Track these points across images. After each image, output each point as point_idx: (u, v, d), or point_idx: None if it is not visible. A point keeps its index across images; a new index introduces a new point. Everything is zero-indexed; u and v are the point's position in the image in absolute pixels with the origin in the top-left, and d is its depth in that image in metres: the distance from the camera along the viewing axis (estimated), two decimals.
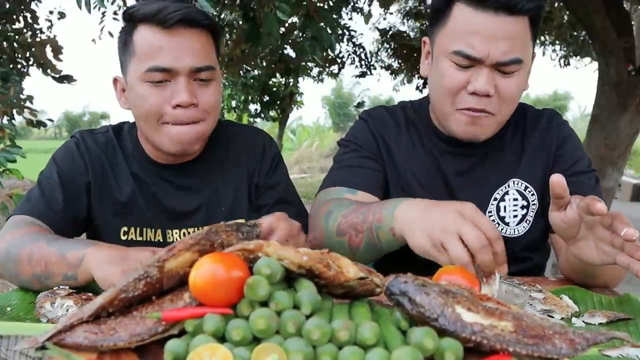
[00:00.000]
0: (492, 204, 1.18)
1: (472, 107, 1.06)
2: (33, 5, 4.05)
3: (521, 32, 1.03)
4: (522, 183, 1.18)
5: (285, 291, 0.57)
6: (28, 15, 3.97)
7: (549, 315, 0.83)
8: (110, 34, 4.87)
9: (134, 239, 1.17)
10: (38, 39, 3.85)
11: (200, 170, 1.21)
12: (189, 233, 1.17)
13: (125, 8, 1.18)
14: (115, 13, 4.70)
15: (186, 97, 1.05)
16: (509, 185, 1.18)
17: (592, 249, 0.87)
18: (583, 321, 0.81)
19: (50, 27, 4.42)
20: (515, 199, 1.18)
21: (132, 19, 1.08)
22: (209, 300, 0.56)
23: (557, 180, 0.84)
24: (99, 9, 4.59)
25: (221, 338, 0.54)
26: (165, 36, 1.05)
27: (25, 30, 3.98)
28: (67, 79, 3.78)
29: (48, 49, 3.69)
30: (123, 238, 1.17)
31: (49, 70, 3.74)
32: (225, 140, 1.25)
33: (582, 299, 0.91)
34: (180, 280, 0.61)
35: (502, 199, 1.18)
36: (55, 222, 1.09)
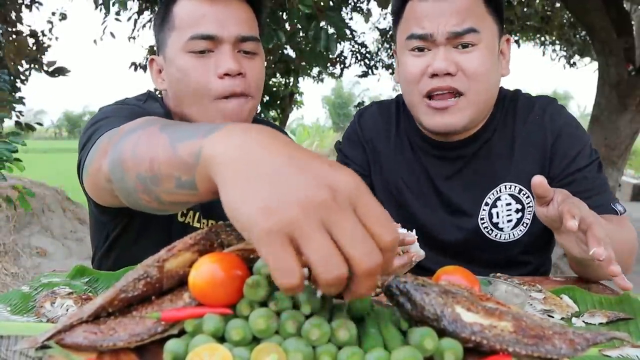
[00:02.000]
0: (483, 210, 1.15)
1: (436, 86, 1.04)
2: (34, 9, 4.06)
3: (472, 7, 1.03)
4: (515, 186, 1.14)
5: None
6: (13, 15, 3.98)
7: (548, 315, 0.83)
8: (112, 35, 4.88)
9: (191, 223, 1.11)
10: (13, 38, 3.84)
11: None
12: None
13: None
14: (117, 14, 4.71)
15: (233, 65, 0.99)
16: (500, 190, 1.14)
17: (573, 243, 0.88)
18: (583, 321, 0.81)
19: (51, 29, 4.43)
20: (509, 204, 1.14)
21: None
22: (209, 300, 0.56)
23: (539, 182, 0.85)
24: (101, 10, 4.60)
25: (221, 338, 0.54)
26: (208, 4, 1.01)
27: (11, 30, 3.99)
28: (59, 71, 3.77)
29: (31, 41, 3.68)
30: (180, 220, 1.10)
31: (38, 66, 3.74)
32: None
33: (582, 299, 0.91)
34: (180, 280, 0.61)
35: (494, 205, 1.14)
36: None
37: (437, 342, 0.51)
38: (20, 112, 3.57)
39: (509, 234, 1.15)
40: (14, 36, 3.90)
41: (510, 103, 1.18)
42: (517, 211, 1.14)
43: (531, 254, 1.19)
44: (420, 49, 1.05)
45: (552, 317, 0.83)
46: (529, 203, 1.14)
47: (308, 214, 0.41)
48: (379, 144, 1.23)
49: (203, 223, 1.13)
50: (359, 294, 0.44)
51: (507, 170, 1.15)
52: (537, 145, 1.14)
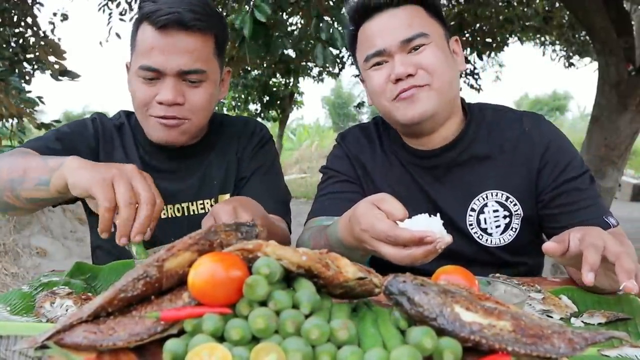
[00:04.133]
0: (470, 215, 1.16)
1: (402, 88, 1.09)
2: (35, 10, 4.05)
3: (415, 15, 1.11)
4: (502, 194, 1.16)
5: (284, 291, 0.57)
6: (29, 19, 3.98)
7: (547, 316, 0.83)
8: (118, 35, 4.87)
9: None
10: (42, 42, 3.84)
11: (198, 152, 1.28)
12: (182, 208, 1.25)
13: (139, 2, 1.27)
14: (121, 14, 4.71)
15: (169, 97, 1.10)
16: (486, 197, 1.16)
17: (602, 276, 0.86)
18: (582, 321, 0.81)
19: (53, 30, 4.43)
20: (496, 210, 1.16)
21: (139, 14, 1.14)
22: (208, 300, 0.56)
23: (552, 251, 0.86)
24: (104, 11, 4.61)
25: (220, 338, 0.54)
26: (158, 36, 1.09)
27: (26, 33, 3.98)
28: (67, 74, 3.76)
29: (51, 57, 3.69)
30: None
31: (48, 71, 3.75)
32: (219, 126, 1.33)
33: (581, 299, 0.91)
34: (180, 280, 0.62)
35: (482, 211, 1.16)
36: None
37: (436, 341, 0.51)
38: (31, 115, 3.59)
39: (499, 238, 1.16)
40: (41, 42, 3.89)
41: (494, 113, 1.22)
42: (504, 217, 1.16)
43: (524, 255, 1.19)
44: (379, 63, 1.12)
45: (551, 317, 0.83)
46: (516, 210, 1.16)
47: (118, 173, 0.86)
48: (366, 161, 1.26)
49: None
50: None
51: (493, 179, 1.17)
52: (525, 156, 1.16)
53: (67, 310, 0.79)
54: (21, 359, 0.58)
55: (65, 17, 4.73)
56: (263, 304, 0.56)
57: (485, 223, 1.16)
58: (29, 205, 1.01)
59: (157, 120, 1.14)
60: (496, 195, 1.16)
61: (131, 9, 4.65)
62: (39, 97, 3.67)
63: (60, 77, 3.73)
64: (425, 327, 0.52)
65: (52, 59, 3.72)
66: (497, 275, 1.02)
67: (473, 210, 1.17)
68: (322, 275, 0.60)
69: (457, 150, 1.18)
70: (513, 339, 0.51)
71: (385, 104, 1.14)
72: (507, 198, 1.16)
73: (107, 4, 4.70)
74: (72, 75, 3.77)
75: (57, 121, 3.86)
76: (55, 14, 4.68)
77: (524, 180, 1.15)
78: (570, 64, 7.39)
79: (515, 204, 1.16)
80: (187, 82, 1.13)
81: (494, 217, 1.16)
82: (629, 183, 9.86)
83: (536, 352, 0.50)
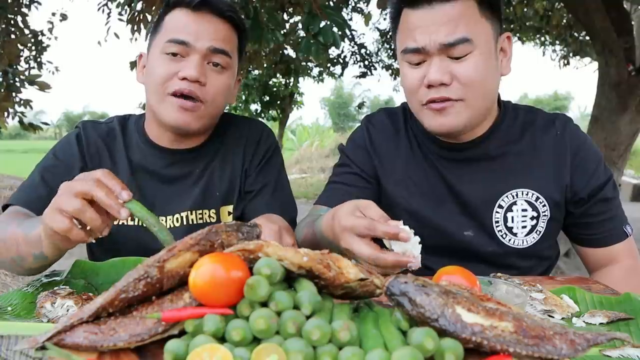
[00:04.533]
0: (497, 212, 1.14)
1: (433, 97, 1.06)
2: (32, 8, 4.05)
3: (464, 13, 1.03)
4: (533, 194, 1.14)
5: (286, 291, 0.57)
6: (19, 18, 3.98)
7: (549, 316, 0.83)
8: (117, 35, 4.86)
9: (125, 223, 1.20)
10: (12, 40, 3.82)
11: (201, 158, 1.27)
12: (181, 218, 1.22)
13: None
14: (120, 14, 4.71)
15: (194, 73, 1.11)
16: (516, 195, 1.14)
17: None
18: (583, 321, 0.81)
19: (51, 29, 4.43)
20: (524, 210, 1.14)
21: (168, 4, 1.18)
22: (209, 301, 0.56)
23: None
24: (103, 11, 4.61)
25: (221, 338, 0.54)
26: (191, 16, 1.14)
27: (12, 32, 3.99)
28: (34, 83, 3.72)
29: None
30: (114, 222, 1.15)
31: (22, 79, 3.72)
32: (224, 128, 1.30)
33: (582, 299, 0.91)
34: (181, 281, 0.61)
35: (510, 209, 1.14)
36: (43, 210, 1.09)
37: (437, 342, 0.50)
38: (22, 113, 3.59)
39: (523, 240, 1.15)
40: (12, 36, 3.88)
41: (527, 114, 1.21)
42: (532, 218, 1.15)
43: (540, 259, 1.19)
44: (417, 62, 1.07)
45: (553, 317, 0.83)
46: (544, 212, 1.15)
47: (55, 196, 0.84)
48: (389, 148, 1.24)
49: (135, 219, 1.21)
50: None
51: (524, 177, 1.15)
52: (557, 157, 1.15)
53: (68, 311, 0.79)
54: (22, 359, 0.58)
55: (64, 17, 4.73)
56: (264, 304, 0.56)
57: (512, 222, 1.14)
58: (43, 269, 1.02)
59: (176, 101, 1.12)
60: (527, 194, 1.14)
61: (131, 9, 4.65)
62: (28, 101, 3.66)
63: (30, 84, 3.71)
64: (427, 328, 0.52)
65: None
66: (499, 275, 1.02)
67: (500, 207, 1.15)
68: (323, 276, 0.60)
69: (489, 144, 1.16)
70: (515, 340, 0.51)
71: (415, 105, 1.12)
72: (537, 198, 1.14)
73: (106, 4, 4.69)
74: (41, 86, 3.73)
75: (46, 123, 3.85)
76: (54, 14, 4.69)
77: (556, 181, 1.14)
78: (566, 63, 7.40)
79: (544, 205, 1.14)
80: (212, 64, 1.15)
81: (522, 216, 1.14)
82: (629, 183, 9.87)
83: (538, 354, 0.50)
